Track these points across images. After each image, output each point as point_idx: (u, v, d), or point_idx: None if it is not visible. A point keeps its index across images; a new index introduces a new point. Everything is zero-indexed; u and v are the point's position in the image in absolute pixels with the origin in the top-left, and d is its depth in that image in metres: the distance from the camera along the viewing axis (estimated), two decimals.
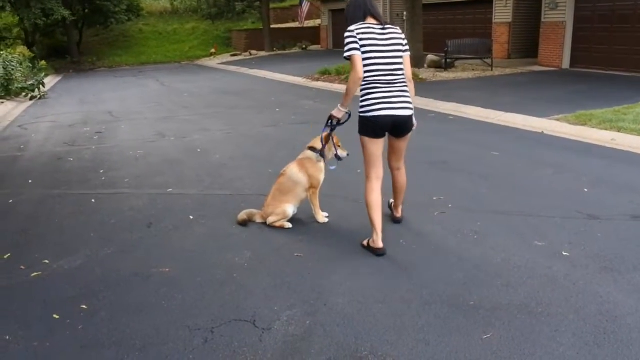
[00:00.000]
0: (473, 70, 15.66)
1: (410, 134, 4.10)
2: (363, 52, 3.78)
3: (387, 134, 4.03)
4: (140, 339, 3.05)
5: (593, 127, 7.76)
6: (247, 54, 28.41)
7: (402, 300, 3.30)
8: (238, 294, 3.49)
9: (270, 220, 4.52)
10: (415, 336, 2.92)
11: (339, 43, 28.13)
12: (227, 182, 6.06)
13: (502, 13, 18.05)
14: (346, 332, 2.98)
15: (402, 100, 3.88)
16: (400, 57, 3.91)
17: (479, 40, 16.40)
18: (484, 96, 10.95)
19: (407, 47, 3.98)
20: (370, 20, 3.88)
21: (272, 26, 30.20)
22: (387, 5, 24.29)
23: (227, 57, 28.09)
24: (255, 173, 6.27)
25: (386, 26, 3.88)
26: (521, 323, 3.00)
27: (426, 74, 15.01)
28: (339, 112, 4.06)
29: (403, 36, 3.98)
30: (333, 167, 4.51)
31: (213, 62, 27.00)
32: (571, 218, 4.48)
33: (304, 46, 29.38)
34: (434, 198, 5.07)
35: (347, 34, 3.83)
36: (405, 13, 17.36)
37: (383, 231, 3.97)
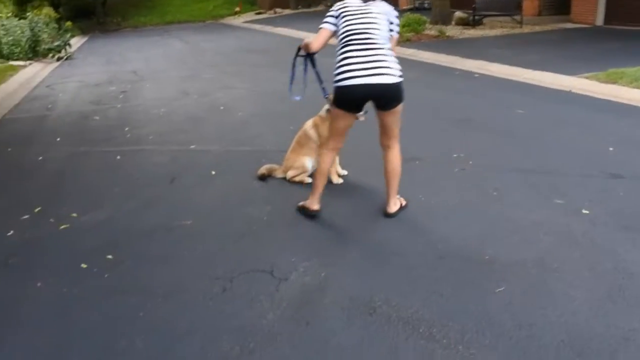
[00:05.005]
0: (501, 27, 15.26)
1: (399, 107, 3.57)
2: (340, 22, 3.58)
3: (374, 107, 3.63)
4: (162, 287, 3.16)
5: (624, 86, 7.54)
6: (272, 12, 28.09)
7: (417, 254, 3.34)
8: (257, 246, 3.58)
9: (290, 174, 4.57)
10: (429, 288, 2.97)
11: None
12: (248, 138, 6.11)
13: None
14: (361, 284, 3.05)
15: (379, 66, 3.41)
16: (380, 27, 3.53)
17: None
18: (512, 54, 10.70)
19: (396, 27, 3.66)
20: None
21: None
22: None
23: (251, 16, 27.86)
24: (276, 130, 6.30)
25: (369, 1, 3.63)
26: (535, 278, 3.02)
27: (453, 31, 14.70)
28: (306, 47, 3.82)
29: (393, 13, 3.64)
30: (298, 98, 4.19)
31: (237, 20, 26.80)
32: (593, 176, 4.43)
33: (329, 4, 28.86)
34: (454, 155, 5.05)
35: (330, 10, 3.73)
36: None
37: (399, 191, 3.88)
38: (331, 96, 4.22)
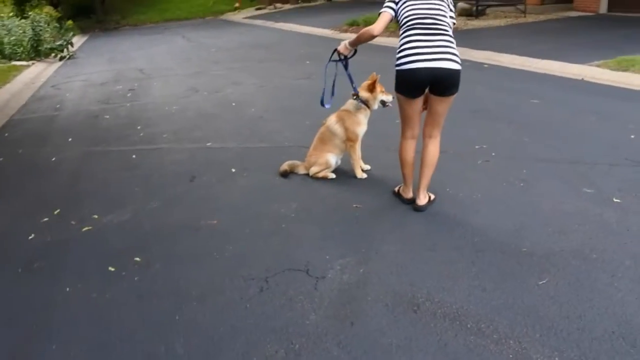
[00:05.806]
0: (505, 17, 15.15)
1: (453, 97, 3.58)
2: (403, 7, 3.58)
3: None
4: (196, 289, 3.10)
5: (636, 73, 7.47)
6: (272, 7, 27.90)
7: (453, 248, 3.29)
8: (288, 244, 3.52)
9: (313, 170, 4.52)
10: (471, 282, 2.92)
11: None
12: (265, 134, 6.05)
13: None
14: (401, 280, 3.00)
15: (444, 51, 3.42)
16: (445, 14, 3.55)
17: None
18: (519, 43, 10.62)
19: (453, 15, 3.66)
20: None
21: None
22: None
23: (251, 11, 27.70)
24: (292, 125, 6.24)
25: None
26: (576, 269, 2.97)
27: (457, 22, 14.58)
28: (345, 49, 4.02)
29: (451, 0, 3.68)
30: (328, 105, 4.29)
31: (238, 16, 26.64)
32: (620, 165, 4.37)
33: None
34: (476, 146, 4.99)
35: None
36: None
37: (427, 185, 3.86)
38: (363, 92, 4.27)
